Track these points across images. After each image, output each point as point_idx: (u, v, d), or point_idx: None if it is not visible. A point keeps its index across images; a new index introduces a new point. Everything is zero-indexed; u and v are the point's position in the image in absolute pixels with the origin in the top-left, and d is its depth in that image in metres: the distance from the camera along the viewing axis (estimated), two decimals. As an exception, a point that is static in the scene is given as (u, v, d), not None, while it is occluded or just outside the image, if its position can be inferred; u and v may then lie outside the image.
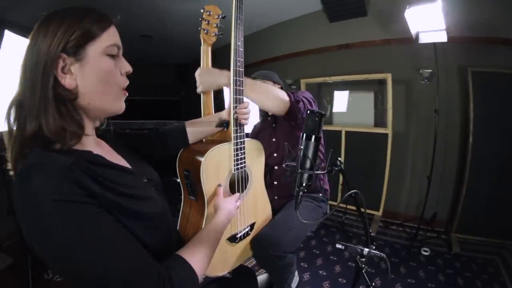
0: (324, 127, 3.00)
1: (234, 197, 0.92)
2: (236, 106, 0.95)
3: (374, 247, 0.89)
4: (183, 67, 5.78)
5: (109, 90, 0.57)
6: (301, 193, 0.78)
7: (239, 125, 0.96)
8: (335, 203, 2.94)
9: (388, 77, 2.51)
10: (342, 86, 3.07)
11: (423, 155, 2.53)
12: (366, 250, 0.88)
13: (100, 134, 0.68)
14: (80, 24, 0.52)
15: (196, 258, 0.63)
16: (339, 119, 3.17)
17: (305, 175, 0.76)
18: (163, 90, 5.11)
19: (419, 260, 2.07)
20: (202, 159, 0.86)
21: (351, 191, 0.87)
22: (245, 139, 0.99)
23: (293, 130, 1.33)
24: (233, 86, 0.93)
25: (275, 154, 1.42)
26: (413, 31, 2.08)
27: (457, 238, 2.25)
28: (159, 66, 5.43)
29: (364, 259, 0.89)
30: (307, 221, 0.99)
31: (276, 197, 1.39)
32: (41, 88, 0.50)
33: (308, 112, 0.77)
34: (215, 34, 1.02)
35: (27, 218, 0.45)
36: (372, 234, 2.08)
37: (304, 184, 0.77)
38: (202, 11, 0.98)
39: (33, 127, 0.50)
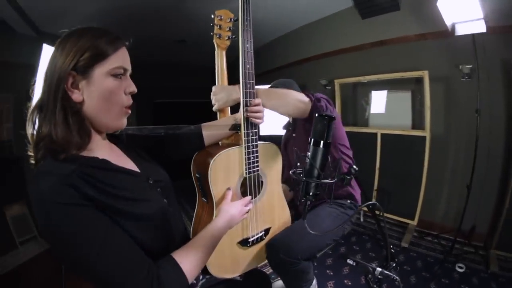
0: (360, 129, 2.93)
1: (241, 202, 0.92)
2: (247, 107, 0.94)
3: (393, 264, 0.85)
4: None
5: (110, 108, 0.64)
6: (308, 202, 0.76)
7: (252, 127, 0.95)
8: (367, 210, 2.87)
9: (425, 74, 2.35)
10: (378, 85, 2.94)
11: (463, 160, 2.31)
12: (378, 270, 0.84)
13: (114, 138, 0.77)
14: (92, 45, 0.60)
15: (187, 260, 0.67)
16: (375, 120, 3.06)
17: (313, 184, 0.73)
18: (200, 93, 5.43)
19: (452, 277, 1.90)
20: (210, 162, 0.89)
21: (369, 203, 0.81)
22: (260, 142, 0.99)
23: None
24: (243, 89, 0.93)
25: (298, 164, 1.37)
26: (448, 23, 1.94)
27: (497, 255, 2.01)
28: (195, 70, 5.81)
29: (376, 280, 0.84)
30: (315, 233, 0.83)
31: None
32: (53, 98, 0.59)
33: (316, 115, 0.74)
34: (229, 38, 1.04)
35: (37, 215, 0.55)
36: (404, 245, 2.03)
37: (311, 193, 0.75)
38: (212, 16, 1.02)
39: (46, 131, 0.59)
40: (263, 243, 1.09)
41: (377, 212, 0.89)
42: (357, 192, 1.37)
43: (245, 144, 0.94)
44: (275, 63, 4.26)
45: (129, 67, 0.68)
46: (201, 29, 3.53)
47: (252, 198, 0.99)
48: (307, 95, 1.13)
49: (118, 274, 0.57)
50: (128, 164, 0.73)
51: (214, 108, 1.07)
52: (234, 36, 1.04)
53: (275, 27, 3.77)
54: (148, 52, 4.37)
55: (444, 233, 2.38)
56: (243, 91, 0.94)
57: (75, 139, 0.59)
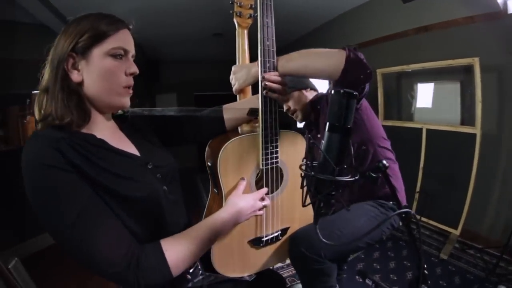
0: (403, 124, 2.74)
1: (253, 195, 0.84)
2: (263, 75, 0.84)
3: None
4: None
5: (110, 87, 0.66)
6: (321, 204, 0.61)
7: (271, 112, 0.85)
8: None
9: (476, 62, 2.07)
10: (423, 75, 2.73)
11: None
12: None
13: (118, 120, 0.78)
14: (91, 27, 0.63)
15: (174, 249, 0.64)
16: (421, 114, 2.84)
17: (327, 181, 0.56)
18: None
19: (491, 300, 1.71)
20: (221, 150, 0.82)
21: (402, 210, 0.64)
22: (282, 130, 0.89)
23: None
24: (262, 68, 0.84)
25: (309, 154, 1.31)
26: (500, 1, 1.73)
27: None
28: (233, 62, 5.99)
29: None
30: (329, 242, 0.60)
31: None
32: (54, 79, 0.62)
33: (332, 92, 0.56)
34: (250, 16, 0.97)
35: (23, 175, 0.56)
36: (443, 257, 1.87)
37: (324, 193, 0.58)
38: None
39: (49, 111, 0.61)
40: (279, 243, 1.00)
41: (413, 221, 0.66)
42: (400, 192, 1.24)
43: (262, 131, 0.84)
44: None
45: (130, 48, 0.69)
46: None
47: (269, 193, 0.89)
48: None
49: (94, 248, 0.55)
50: (129, 147, 0.72)
51: (234, 89, 0.99)
52: (256, 14, 0.91)
53: (312, 18, 3.70)
54: (187, 47, 4.70)
55: (489, 247, 2.13)
56: (261, 71, 0.84)
57: (74, 118, 0.61)
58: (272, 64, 0.85)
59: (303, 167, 0.61)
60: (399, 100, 3.03)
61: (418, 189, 2.65)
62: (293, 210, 1.00)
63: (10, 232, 2.54)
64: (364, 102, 1.12)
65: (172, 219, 0.73)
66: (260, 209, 0.86)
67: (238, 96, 1.01)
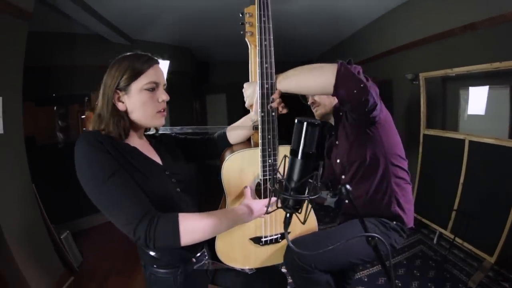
0: (446, 134, 2.58)
1: (264, 201, 0.93)
2: (270, 103, 0.94)
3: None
4: (307, 63, 6.24)
5: (146, 113, 0.86)
6: (287, 215, 0.69)
7: (268, 130, 0.95)
8: (445, 232, 2.49)
9: None
10: (469, 80, 2.47)
11: None
12: None
13: (150, 136, 1.01)
14: (128, 68, 0.82)
15: (189, 221, 0.76)
16: (467, 124, 2.58)
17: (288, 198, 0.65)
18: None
19: None
20: (223, 162, 0.98)
21: (368, 234, 0.69)
22: (282, 145, 0.99)
23: (359, 139, 1.15)
24: (260, 89, 0.93)
25: (343, 176, 1.27)
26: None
27: None
28: (286, 64, 6.03)
29: None
30: (298, 250, 0.67)
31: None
32: (106, 109, 0.83)
33: (296, 121, 0.63)
34: None
35: (75, 157, 0.75)
36: (471, 285, 1.75)
37: (288, 205, 0.67)
38: (241, 15, 1.03)
39: (102, 128, 0.83)
40: (278, 245, 1.10)
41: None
42: (408, 214, 1.18)
43: (261, 146, 0.95)
44: (359, 56, 4.04)
45: (161, 81, 0.88)
46: (284, 26, 3.74)
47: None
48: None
49: (119, 206, 0.72)
50: (154, 157, 0.93)
51: (246, 105, 1.07)
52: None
53: (354, 19, 3.58)
54: (235, 49, 4.89)
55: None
56: (259, 92, 0.93)
57: (117, 135, 0.83)
58: (270, 85, 0.93)
59: (270, 181, 0.71)
60: (444, 106, 2.78)
61: (455, 207, 2.41)
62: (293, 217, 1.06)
63: (65, 211, 3.04)
64: (385, 116, 1.08)
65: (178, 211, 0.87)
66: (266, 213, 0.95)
67: (250, 110, 1.10)
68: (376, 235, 0.72)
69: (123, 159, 0.79)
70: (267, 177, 0.98)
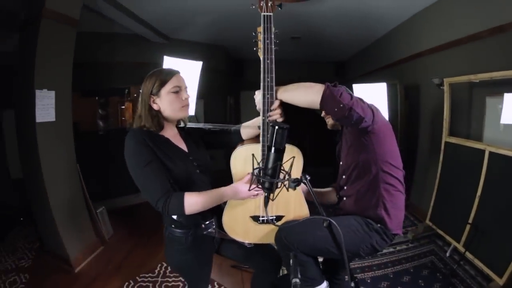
0: (465, 143, 2.52)
1: (252, 186, 1.09)
2: (268, 113, 1.16)
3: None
4: (340, 64, 6.14)
5: (173, 109, 1.16)
6: (266, 194, 1.00)
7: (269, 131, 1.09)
8: (457, 245, 2.41)
9: None
10: (498, 86, 2.32)
11: None
12: None
13: (181, 129, 1.31)
14: (158, 78, 1.14)
15: (192, 198, 1.07)
16: (494, 134, 2.44)
17: (266, 181, 0.93)
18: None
19: None
20: (232, 153, 1.23)
21: (324, 217, 0.98)
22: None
23: (354, 144, 1.29)
24: (263, 99, 1.16)
25: (343, 176, 1.41)
26: None
27: None
28: (318, 65, 6.02)
29: None
30: (277, 224, 1.15)
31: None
32: (144, 110, 1.14)
33: (271, 125, 0.91)
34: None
35: (125, 149, 1.07)
36: None
37: (265, 187, 0.95)
38: (254, 34, 1.21)
39: (142, 124, 1.14)
40: (273, 226, 1.29)
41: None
42: (393, 220, 1.24)
43: (261, 143, 1.19)
44: (389, 59, 3.94)
45: (182, 85, 1.18)
46: (314, 27, 3.83)
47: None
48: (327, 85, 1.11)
49: (150, 186, 1.06)
50: (182, 146, 1.24)
51: (257, 108, 1.25)
52: (276, 48, 1.19)
53: (382, 22, 3.52)
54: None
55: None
56: (263, 102, 1.17)
57: (154, 128, 1.15)
58: (271, 95, 1.16)
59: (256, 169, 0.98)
60: (469, 114, 2.64)
61: (470, 220, 2.31)
62: (288, 202, 1.29)
63: (104, 190, 3.50)
64: (380, 127, 1.19)
65: (198, 189, 1.15)
66: (255, 195, 1.19)
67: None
68: (329, 218, 0.97)
69: (158, 149, 1.10)
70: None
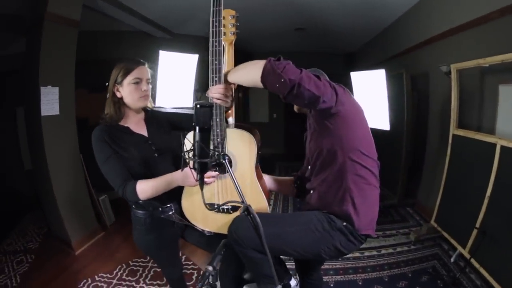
0: (475, 135, 2.38)
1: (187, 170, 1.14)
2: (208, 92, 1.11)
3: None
4: (349, 55, 5.84)
5: (132, 98, 1.23)
6: (198, 176, 0.93)
7: (217, 114, 1.11)
8: (463, 251, 2.16)
9: None
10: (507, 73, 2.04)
11: None
12: None
13: (147, 114, 1.37)
14: (122, 68, 1.21)
15: (143, 184, 1.16)
16: (502, 125, 2.15)
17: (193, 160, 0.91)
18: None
19: None
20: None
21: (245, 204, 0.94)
22: (232, 128, 1.20)
23: (318, 129, 1.17)
24: (210, 82, 1.10)
25: (309, 167, 1.29)
26: None
27: None
28: (331, 56, 5.78)
29: None
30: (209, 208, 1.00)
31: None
32: (109, 96, 1.23)
33: (194, 104, 0.89)
34: (232, 33, 1.22)
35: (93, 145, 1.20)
36: None
37: (195, 168, 0.93)
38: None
39: (107, 111, 1.23)
40: (230, 216, 1.23)
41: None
42: (362, 218, 1.10)
43: (212, 127, 1.09)
44: (399, 47, 3.65)
45: (143, 77, 1.25)
46: (318, 17, 3.71)
47: (217, 174, 1.20)
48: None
49: (111, 177, 1.18)
50: (142, 131, 1.31)
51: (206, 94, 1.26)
52: (238, 31, 1.22)
53: (394, 6, 3.29)
54: (273, 40, 4.95)
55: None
56: (210, 84, 1.11)
57: (116, 114, 1.23)
58: (219, 78, 1.09)
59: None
60: (481, 104, 2.35)
61: (478, 224, 2.05)
62: (243, 191, 1.16)
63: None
64: (347, 109, 1.06)
65: (157, 173, 1.22)
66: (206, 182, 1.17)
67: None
68: (247, 205, 0.93)
69: (114, 143, 1.20)
70: (214, 153, 1.11)
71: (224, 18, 1.19)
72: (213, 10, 1.09)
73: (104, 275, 2.34)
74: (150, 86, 1.31)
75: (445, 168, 2.51)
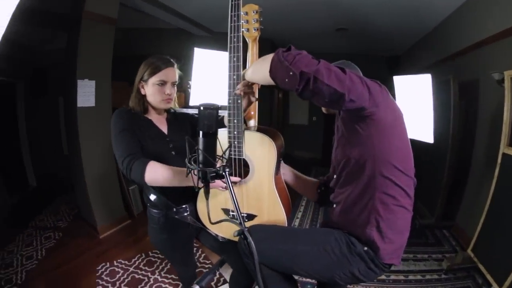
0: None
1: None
2: (234, 91, 1.03)
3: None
4: (394, 59, 5.46)
5: (155, 100, 1.23)
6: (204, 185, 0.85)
7: (234, 115, 1.06)
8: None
9: None
10: None
11: None
12: None
13: (170, 113, 1.38)
14: (150, 67, 1.20)
15: (155, 167, 1.08)
16: None
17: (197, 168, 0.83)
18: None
19: None
20: None
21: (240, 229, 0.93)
22: (251, 131, 1.09)
23: (346, 134, 1.01)
24: (229, 80, 1.04)
25: (334, 176, 1.14)
26: None
27: None
28: (368, 58, 5.45)
29: None
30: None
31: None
32: (134, 91, 1.25)
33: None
34: (256, 29, 1.16)
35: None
36: None
37: (199, 176, 0.82)
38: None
39: (132, 104, 1.24)
40: (247, 225, 1.11)
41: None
42: (388, 245, 0.93)
43: (228, 129, 1.08)
44: (446, 51, 3.28)
45: (169, 79, 1.23)
46: (361, 16, 3.55)
47: (238, 180, 1.13)
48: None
49: (119, 147, 1.13)
50: (163, 128, 1.31)
51: None
52: (262, 27, 1.16)
53: (440, 5, 2.96)
54: (312, 40, 4.78)
55: None
56: (229, 84, 1.05)
57: (139, 108, 1.25)
58: (237, 76, 1.03)
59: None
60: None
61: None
62: (260, 202, 1.13)
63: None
64: (385, 113, 0.88)
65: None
66: (223, 187, 1.12)
67: None
68: (245, 228, 0.82)
69: (136, 126, 1.18)
70: (232, 157, 1.10)
71: (247, 13, 1.13)
72: (232, 4, 1.02)
73: (123, 262, 2.45)
74: (175, 89, 1.29)
75: (490, 191, 2.18)
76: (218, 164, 0.86)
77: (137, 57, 1.34)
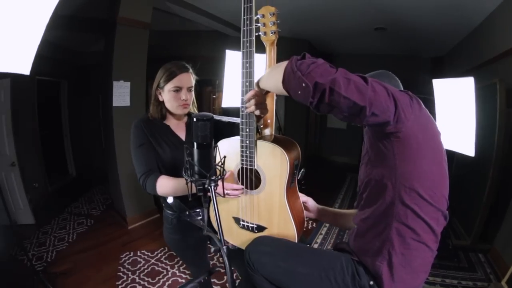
0: None
1: (227, 185, 1.09)
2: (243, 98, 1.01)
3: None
4: (437, 60, 5.04)
5: (171, 106, 1.26)
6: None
7: (247, 123, 1.02)
8: None
9: None
10: None
11: None
12: None
13: (188, 118, 1.40)
14: (165, 74, 1.23)
15: (164, 180, 1.17)
16: None
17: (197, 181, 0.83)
18: (406, 82, 5.10)
19: None
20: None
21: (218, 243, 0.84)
22: (264, 141, 1.04)
23: (370, 151, 0.91)
24: (241, 87, 1.01)
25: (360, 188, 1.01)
26: None
27: None
28: (408, 59, 5.11)
29: None
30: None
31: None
32: (152, 98, 1.28)
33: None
34: (273, 32, 1.11)
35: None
36: None
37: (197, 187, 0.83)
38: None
39: (151, 110, 1.29)
40: (254, 235, 1.12)
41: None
42: (397, 284, 0.82)
43: (240, 138, 1.05)
44: (488, 52, 2.97)
45: (184, 85, 1.25)
46: (400, 15, 3.39)
47: (244, 189, 1.11)
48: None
49: (137, 164, 1.22)
50: (181, 134, 1.34)
51: None
52: (279, 30, 1.11)
53: (471, 10, 2.71)
54: (347, 41, 4.60)
55: None
56: (242, 91, 1.01)
57: (158, 116, 1.29)
58: (250, 83, 0.99)
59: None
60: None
61: None
62: (271, 213, 1.09)
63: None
64: (412, 131, 0.75)
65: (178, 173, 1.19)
66: (234, 195, 1.14)
67: None
68: (224, 246, 0.80)
69: (152, 135, 1.25)
70: (243, 166, 1.08)
71: (263, 16, 1.08)
72: (244, 7, 0.96)
73: (146, 253, 2.62)
74: (192, 94, 1.30)
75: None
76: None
77: (173, 58, 1.34)
